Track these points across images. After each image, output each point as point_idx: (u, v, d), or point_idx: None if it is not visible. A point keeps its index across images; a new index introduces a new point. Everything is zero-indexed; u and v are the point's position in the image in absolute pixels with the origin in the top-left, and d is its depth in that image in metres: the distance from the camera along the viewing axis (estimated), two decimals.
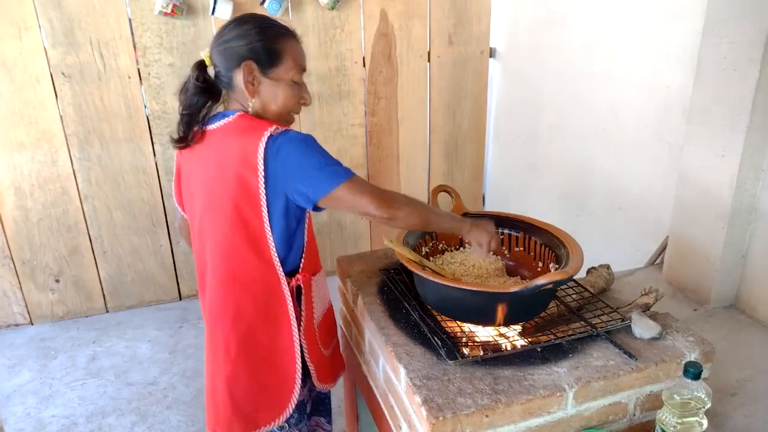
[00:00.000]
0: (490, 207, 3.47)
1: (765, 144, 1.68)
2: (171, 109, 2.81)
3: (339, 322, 1.80)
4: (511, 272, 1.57)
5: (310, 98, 1.34)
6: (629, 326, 1.33)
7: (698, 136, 1.81)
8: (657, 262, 2.16)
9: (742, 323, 1.78)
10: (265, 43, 1.24)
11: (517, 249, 1.56)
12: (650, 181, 2.22)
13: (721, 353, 1.53)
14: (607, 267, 1.77)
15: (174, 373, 2.57)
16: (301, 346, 1.36)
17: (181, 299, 3.15)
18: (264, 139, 1.18)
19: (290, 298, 1.32)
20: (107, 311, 3.05)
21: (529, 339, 1.31)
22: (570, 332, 1.31)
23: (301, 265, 1.35)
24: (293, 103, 1.31)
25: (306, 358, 1.38)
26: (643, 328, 1.31)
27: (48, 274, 2.89)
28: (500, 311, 1.29)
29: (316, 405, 1.60)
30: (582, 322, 1.35)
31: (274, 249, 1.27)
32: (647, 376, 1.23)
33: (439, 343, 1.27)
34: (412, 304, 1.42)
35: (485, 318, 1.32)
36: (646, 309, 1.62)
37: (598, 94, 2.44)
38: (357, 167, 3.17)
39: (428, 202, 1.60)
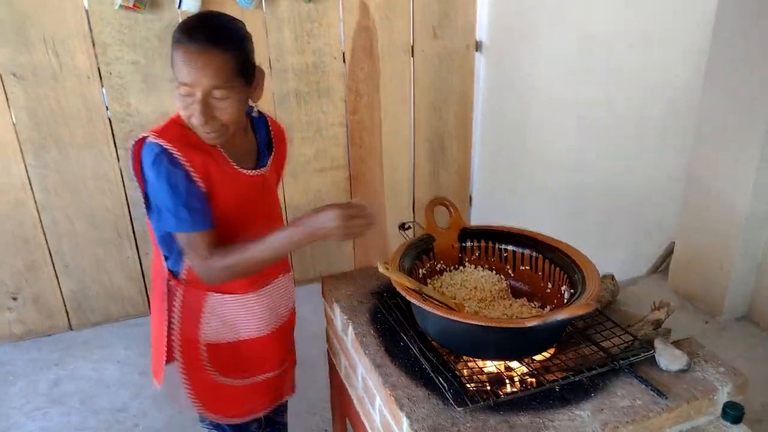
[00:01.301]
0: (478, 208, 3.33)
1: None
2: (135, 111, 2.60)
3: (323, 347, 1.64)
4: (516, 293, 1.42)
5: (199, 120, 1.13)
6: (652, 356, 1.20)
7: (709, 138, 1.69)
8: (660, 269, 2.04)
9: (758, 338, 1.67)
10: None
11: (522, 267, 1.41)
12: (652, 183, 2.09)
13: (747, 374, 1.41)
14: (612, 277, 1.64)
15: (145, 398, 2.37)
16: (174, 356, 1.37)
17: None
18: (137, 142, 1.20)
19: (166, 296, 1.32)
20: (71, 329, 2.83)
21: (542, 374, 1.16)
22: (588, 365, 1.17)
23: (182, 274, 1.31)
24: (184, 116, 1.16)
25: (182, 375, 1.37)
26: (669, 359, 1.18)
27: (4, 292, 2.66)
28: (512, 346, 1.14)
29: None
30: (594, 348, 1.22)
31: (158, 243, 1.30)
32: (678, 415, 1.10)
33: (445, 385, 1.12)
34: (410, 335, 1.27)
35: (495, 353, 1.17)
36: (657, 326, 1.50)
37: (595, 90, 2.30)
38: (338, 169, 3.00)
39: (423, 217, 1.45)
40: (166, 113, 1.27)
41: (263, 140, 1.35)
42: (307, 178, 2.95)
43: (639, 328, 1.44)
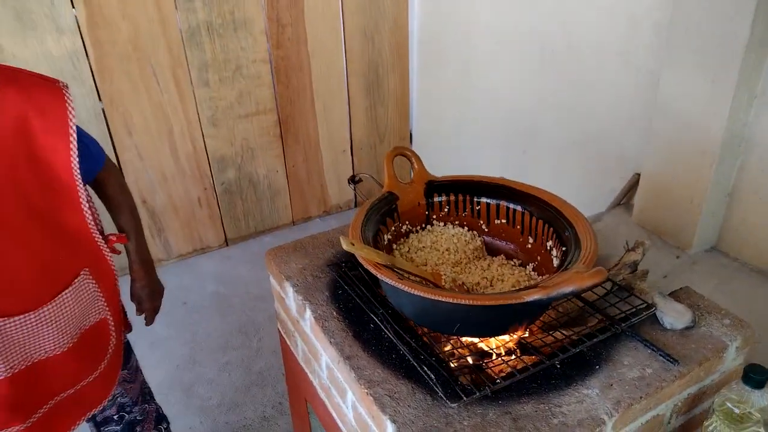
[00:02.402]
0: (420, 146, 3.13)
1: (761, 64, 1.43)
2: (11, 55, 2.15)
3: (267, 310, 1.43)
4: (492, 250, 1.25)
5: None
6: (654, 314, 1.07)
7: (681, 59, 1.54)
8: (622, 202, 1.94)
9: (730, 269, 1.61)
10: None
11: (498, 221, 1.24)
12: (613, 111, 1.95)
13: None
14: None
15: None
16: None
17: None
18: None
19: None
20: None
21: (536, 346, 1.01)
22: (586, 332, 1.03)
23: None
24: None
25: None
26: (673, 316, 1.05)
27: None
28: (505, 321, 0.98)
29: None
30: (587, 309, 1.08)
31: None
32: (690, 379, 0.98)
33: (432, 375, 0.94)
34: (381, 314, 1.08)
35: (486, 330, 1.01)
36: (634, 268, 1.39)
37: (544, 9, 2.09)
38: (265, 113, 2.68)
39: (383, 170, 1.23)
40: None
41: None
42: (230, 126, 2.62)
43: (616, 273, 1.33)
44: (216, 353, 2.21)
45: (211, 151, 2.61)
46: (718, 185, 1.58)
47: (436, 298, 0.90)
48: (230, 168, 2.69)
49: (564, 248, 1.06)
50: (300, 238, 1.35)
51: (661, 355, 0.99)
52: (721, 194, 1.60)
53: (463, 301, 0.90)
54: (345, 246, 0.95)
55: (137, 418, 1.41)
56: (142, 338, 1.79)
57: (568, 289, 0.86)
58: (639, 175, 1.85)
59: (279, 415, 1.92)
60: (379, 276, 0.95)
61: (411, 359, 0.98)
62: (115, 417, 1.37)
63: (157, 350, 2.23)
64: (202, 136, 2.56)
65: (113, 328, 1.20)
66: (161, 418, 1.50)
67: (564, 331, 1.04)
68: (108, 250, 1.14)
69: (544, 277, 1.08)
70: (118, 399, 1.35)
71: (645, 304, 1.09)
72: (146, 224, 2.49)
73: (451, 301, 0.90)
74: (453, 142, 2.84)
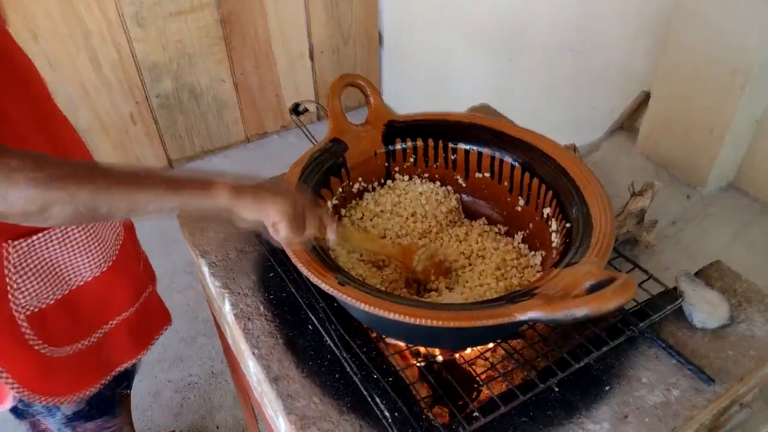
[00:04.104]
0: (391, 51, 2.71)
1: None
2: None
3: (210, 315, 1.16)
4: (470, 212, 0.97)
5: None
6: (680, 306, 0.82)
7: None
8: (624, 126, 1.64)
9: (750, 212, 1.36)
10: None
11: (479, 175, 0.94)
12: (620, 12, 1.60)
13: (747, 265, 1.11)
14: (574, 148, 1.24)
15: None
16: None
17: None
18: None
19: None
20: None
21: (527, 361, 0.76)
22: (590, 336, 0.78)
23: None
24: None
25: None
26: (705, 311, 0.80)
27: None
28: (486, 336, 0.72)
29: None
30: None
31: None
32: (726, 398, 0.75)
33: (387, 413, 0.69)
34: (322, 310, 0.81)
35: (457, 345, 0.75)
36: (641, 218, 1.17)
37: None
38: (202, 9, 2.22)
39: (329, 99, 0.91)
40: None
41: None
42: (160, 26, 2.18)
43: (620, 225, 1.09)
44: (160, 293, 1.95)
45: (141, 57, 2.19)
46: (747, 111, 1.29)
47: (392, 317, 0.63)
48: (165, 77, 2.28)
49: (568, 224, 0.78)
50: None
51: (690, 369, 0.75)
52: (748, 122, 1.31)
53: (429, 322, 0.62)
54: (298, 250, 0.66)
55: None
56: None
57: (581, 311, 0.59)
58: (647, 93, 1.54)
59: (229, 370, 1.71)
60: (315, 281, 0.67)
61: (358, 382, 0.73)
62: None
63: None
64: (127, 39, 2.13)
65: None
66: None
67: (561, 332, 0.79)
68: None
69: (539, 274, 0.80)
70: None
71: (665, 290, 0.83)
72: None
73: (412, 321, 0.63)
74: (428, 45, 2.44)
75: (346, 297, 0.64)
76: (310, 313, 0.81)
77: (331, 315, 0.80)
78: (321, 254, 0.73)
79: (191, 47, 2.26)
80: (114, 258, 0.92)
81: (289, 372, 0.75)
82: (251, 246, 0.94)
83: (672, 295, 0.83)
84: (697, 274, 0.89)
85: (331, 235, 0.73)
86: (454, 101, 2.32)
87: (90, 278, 0.89)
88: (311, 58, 2.58)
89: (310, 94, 2.66)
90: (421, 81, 2.51)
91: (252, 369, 0.80)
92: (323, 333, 0.79)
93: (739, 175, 1.41)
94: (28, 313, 0.84)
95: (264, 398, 0.80)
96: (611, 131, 1.64)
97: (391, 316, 0.62)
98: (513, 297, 0.66)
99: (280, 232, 0.67)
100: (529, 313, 0.61)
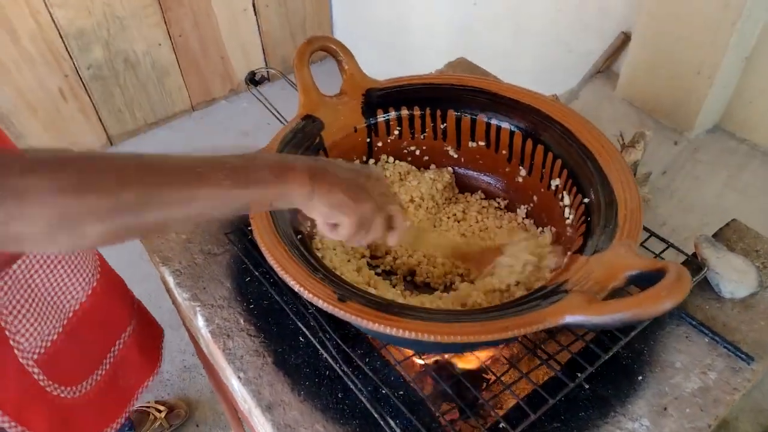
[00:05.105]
0: (340, 6, 2.52)
1: None
2: None
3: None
4: (464, 186, 0.87)
5: None
6: (704, 277, 0.75)
7: None
8: (602, 70, 1.55)
9: (739, 154, 1.30)
10: None
11: (473, 144, 0.84)
12: None
13: (743, 212, 1.06)
14: (555, 98, 1.16)
15: None
16: None
17: None
18: None
19: None
20: None
21: (549, 356, 0.68)
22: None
23: None
24: None
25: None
26: (734, 279, 0.74)
27: None
28: (506, 339, 0.63)
29: None
30: None
31: None
32: (763, 375, 0.70)
33: None
34: (312, 317, 0.70)
35: (474, 348, 0.66)
36: (634, 171, 1.11)
37: None
38: None
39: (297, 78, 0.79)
40: None
41: None
42: None
43: None
44: None
45: (63, 24, 1.94)
46: (737, 49, 1.21)
47: (410, 336, 0.53)
48: (95, 46, 2.04)
49: (586, 199, 0.69)
50: None
51: (726, 348, 0.68)
52: (738, 60, 1.24)
53: (459, 339, 0.53)
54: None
55: None
56: None
57: (631, 314, 0.50)
58: (627, 35, 1.45)
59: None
60: (308, 297, 0.56)
61: (367, 403, 0.63)
62: None
63: None
64: (45, 5, 1.88)
65: None
66: None
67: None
68: None
69: (552, 254, 0.70)
70: None
71: (686, 259, 0.76)
72: None
73: (428, 339, 0.53)
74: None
75: (350, 316, 0.54)
76: (299, 323, 0.70)
77: (324, 322, 0.69)
78: (305, 255, 0.62)
79: (121, 9, 2.02)
80: (99, 270, 0.83)
81: (284, 397, 0.65)
82: (220, 246, 0.81)
83: (694, 263, 0.76)
84: (714, 236, 0.82)
85: (394, 240, 0.59)
86: (415, 54, 2.18)
87: (84, 299, 0.79)
88: (255, 12, 2.36)
89: (258, 53, 2.46)
90: (379, 32, 2.34)
91: (239, 393, 0.70)
92: (317, 345, 0.68)
93: (725, 117, 1.35)
94: (36, 357, 0.73)
95: (257, 426, 0.70)
96: (589, 76, 1.55)
97: (410, 335, 0.52)
98: (544, 294, 0.57)
99: (339, 234, 0.55)
100: (569, 317, 0.52)
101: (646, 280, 0.54)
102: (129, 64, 2.16)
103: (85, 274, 0.79)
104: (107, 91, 2.16)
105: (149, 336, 0.97)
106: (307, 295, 0.56)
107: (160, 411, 1.44)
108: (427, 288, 0.77)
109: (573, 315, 0.52)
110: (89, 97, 2.13)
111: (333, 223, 0.54)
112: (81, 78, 2.08)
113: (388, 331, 0.53)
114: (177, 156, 0.46)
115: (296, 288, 0.56)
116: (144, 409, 1.45)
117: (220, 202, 0.46)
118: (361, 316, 0.54)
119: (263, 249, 0.60)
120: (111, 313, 0.86)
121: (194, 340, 0.99)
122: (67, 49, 2.00)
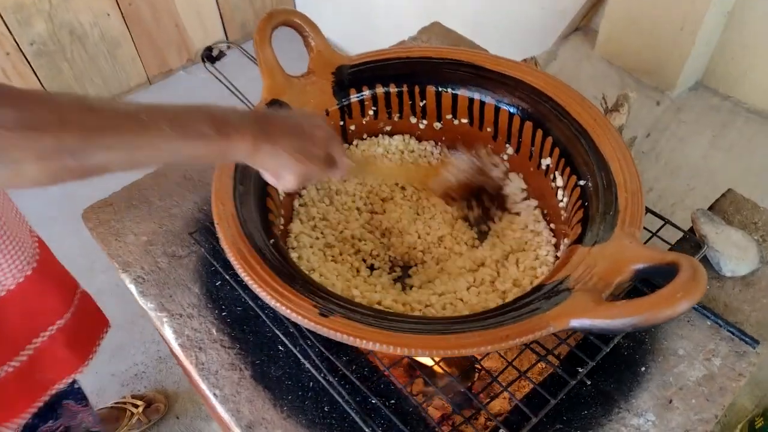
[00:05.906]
0: None
1: None
2: None
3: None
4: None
5: None
6: (704, 255, 0.72)
7: None
8: (579, 27, 1.49)
9: (723, 112, 1.27)
10: None
11: (456, 122, 0.77)
12: None
13: (731, 174, 1.04)
14: (535, 63, 1.10)
15: None
16: None
17: None
18: None
19: None
20: None
21: (547, 351, 0.64)
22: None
23: None
24: None
25: None
26: (734, 255, 0.70)
27: None
28: None
29: None
30: None
31: None
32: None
33: None
34: (289, 323, 0.65)
35: None
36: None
37: None
38: None
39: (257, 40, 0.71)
40: None
41: None
42: None
43: None
44: (81, 277, 1.71)
45: (5, 9, 1.78)
46: (720, 3, 1.16)
47: (402, 353, 0.48)
48: (36, 19, 1.89)
49: (581, 181, 0.63)
50: (138, 179, 0.83)
51: (729, 330, 0.65)
52: (720, 14, 1.19)
53: (456, 353, 0.48)
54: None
55: None
56: None
57: (644, 317, 0.45)
58: None
59: None
60: (286, 314, 0.50)
61: (355, 416, 0.58)
62: None
63: None
64: None
65: None
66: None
67: None
68: None
69: (563, 249, 0.64)
70: None
71: (684, 236, 0.72)
72: None
73: (422, 355, 0.48)
74: None
75: (335, 333, 0.48)
76: (276, 330, 0.65)
77: (304, 328, 0.64)
78: (281, 262, 0.56)
79: None
80: (37, 258, 0.77)
81: (265, 414, 0.60)
82: (185, 247, 0.74)
83: (692, 241, 0.72)
84: (710, 209, 0.78)
85: (338, 176, 0.62)
86: (385, 18, 2.07)
87: (12, 286, 0.73)
88: None
89: (216, 20, 2.31)
90: None
91: (218, 408, 0.64)
92: (298, 354, 0.63)
93: (706, 74, 1.31)
94: None
95: None
96: (566, 35, 1.48)
97: (402, 351, 0.47)
98: (545, 294, 0.52)
99: (282, 186, 0.58)
100: (573, 321, 0.48)
101: (655, 275, 0.49)
102: (75, 37, 2.00)
103: (18, 262, 0.73)
104: (54, 66, 2.01)
105: (86, 330, 0.89)
106: (284, 311, 0.50)
107: (137, 406, 1.39)
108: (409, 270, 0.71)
109: (578, 319, 0.48)
110: (35, 74, 1.98)
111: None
112: (24, 55, 1.92)
113: (377, 348, 0.48)
114: (121, 102, 0.47)
115: (272, 304, 0.51)
116: (120, 405, 1.39)
117: (162, 151, 0.48)
118: (347, 333, 0.48)
119: (232, 260, 0.54)
120: (42, 303, 0.80)
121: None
122: (5, 24, 1.84)
